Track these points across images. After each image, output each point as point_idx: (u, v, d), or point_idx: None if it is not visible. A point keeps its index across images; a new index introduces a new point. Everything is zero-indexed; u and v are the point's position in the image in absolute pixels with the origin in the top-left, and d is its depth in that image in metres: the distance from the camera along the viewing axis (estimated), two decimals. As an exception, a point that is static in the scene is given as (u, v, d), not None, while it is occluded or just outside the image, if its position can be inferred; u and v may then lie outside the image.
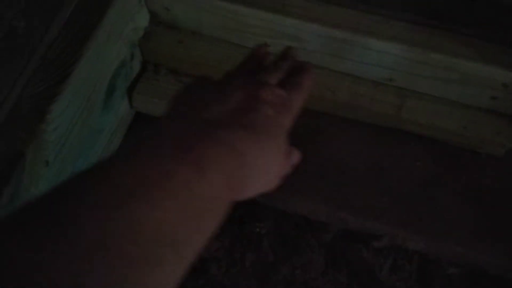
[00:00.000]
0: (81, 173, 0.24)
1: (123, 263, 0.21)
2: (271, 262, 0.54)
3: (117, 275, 0.20)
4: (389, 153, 0.51)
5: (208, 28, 0.54)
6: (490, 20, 0.46)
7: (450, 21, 0.46)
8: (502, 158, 0.50)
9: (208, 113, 0.30)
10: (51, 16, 0.46)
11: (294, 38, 0.50)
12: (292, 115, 0.34)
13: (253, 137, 0.30)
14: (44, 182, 0.43)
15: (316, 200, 0.49)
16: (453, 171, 0.50)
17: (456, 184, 0.49)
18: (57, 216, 0.21)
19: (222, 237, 0.55)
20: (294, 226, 0.55)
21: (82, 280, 0.19)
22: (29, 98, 0.42)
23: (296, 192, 0.49)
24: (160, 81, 0.55)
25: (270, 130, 0.31)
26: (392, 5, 0.47)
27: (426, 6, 0.47)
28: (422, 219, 0.47)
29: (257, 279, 0.53)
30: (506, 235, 0.46)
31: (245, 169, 0.29)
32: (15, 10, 0.47)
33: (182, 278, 0.24)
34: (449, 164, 0.50)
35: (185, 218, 0.24)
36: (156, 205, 0.23)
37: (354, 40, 0.47)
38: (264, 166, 0.31)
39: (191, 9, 0.52)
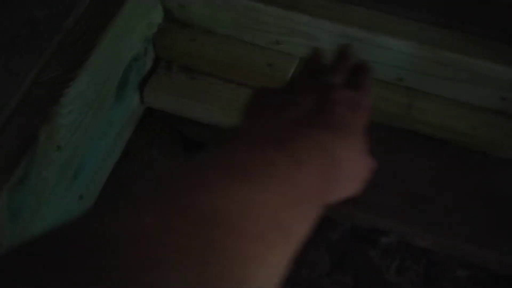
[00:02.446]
0: (181, 162, 0.24)
1: (238, 240, 0.20)
2: (277, 261, 0.54)
3: (231, 249, 0.20)
4: (398, 153, 0.51)
5: (221, 26, 0.54)
6: (501, 20, 0.46)
7: (462, 20, 0.47)
8: (511, 160, 0.50)
9: (285, 114, 0.29)
10: (70, 6, 0.47)
11: (307, 35, 0.51)
12: (365, 115, 0.34)
13: (337, 136, 0.29)
14: (54, 167, 0.43)
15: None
16: (463, 172, 0.50)
17: (465, 185, 0.49)
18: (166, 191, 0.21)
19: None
20: (301, 225, 0.55)
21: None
22: (45, 83, 0.43)
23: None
24: (172, 77, 0.56)
25: (350, 129, 0.31)
26: (404, 4, 0.48)
27: (438, 5, 0.47)
28: (430, 217, 0.47)
29: (262, 277, 0.53)
30: (515, 235, 0.46)
31: (335, 168, 0.28)
32: (36, 0, 0.48)
33: (284, 273, 0.23)
34: (458, 165, 0.50)
35: (287, 204, 0.23)
36: (262, 188, 0.22)
37: (366, 38, 0.48)
38: (351, 166, 0.30)
39: (205, 7, 0.53)
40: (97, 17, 0.47)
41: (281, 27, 0.51)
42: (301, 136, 0.27)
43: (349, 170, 0.30)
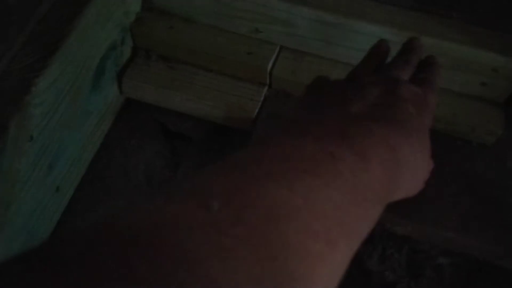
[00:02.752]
0: (238, 153, 0.23)
1: (304, 235, 0.19)
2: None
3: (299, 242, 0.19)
4: (379, 141, 0.51)
5: (200, 14, 0.54)
6: (480, 4, 0.46)
7: (440, 5, 0.46)
8: (492, 146, 0.49)
9: (350, 108, 0.28)
10: (42, -7, 0.46)
11: (285, 23, 0.50)
12: (431, 113, 0.32)
13: (402, 134, 0.28)
14: (27, 157, 0.42)
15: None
16: (444, 159, 0.50)
17: (446, 172, 0.49)
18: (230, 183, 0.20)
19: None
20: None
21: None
22: (17, 71, 0.42)
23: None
24: (151, 66, 0.55)
25: (415, 128, 0.29)
26: (383, -11, 0.47)
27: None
28: (410, 204, 0.46)
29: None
30: (495, 221, 0.45)
31: (399, 167, 0.27)
32: (6, -12, 0.47)
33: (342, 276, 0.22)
34: (439, 151, 0.50)
35: (351, 202, 0.22)
36: (327, 184, 0.21)
37: (345, 24, 0.47)
38: (413, 165, 0.29)
39: (183, -6, 0.52)
40: (71, 4, 0.46)
41: (260, 14, 0.50)
42: (367, 131, 0.26)
43: (412, 170, 0.29)
